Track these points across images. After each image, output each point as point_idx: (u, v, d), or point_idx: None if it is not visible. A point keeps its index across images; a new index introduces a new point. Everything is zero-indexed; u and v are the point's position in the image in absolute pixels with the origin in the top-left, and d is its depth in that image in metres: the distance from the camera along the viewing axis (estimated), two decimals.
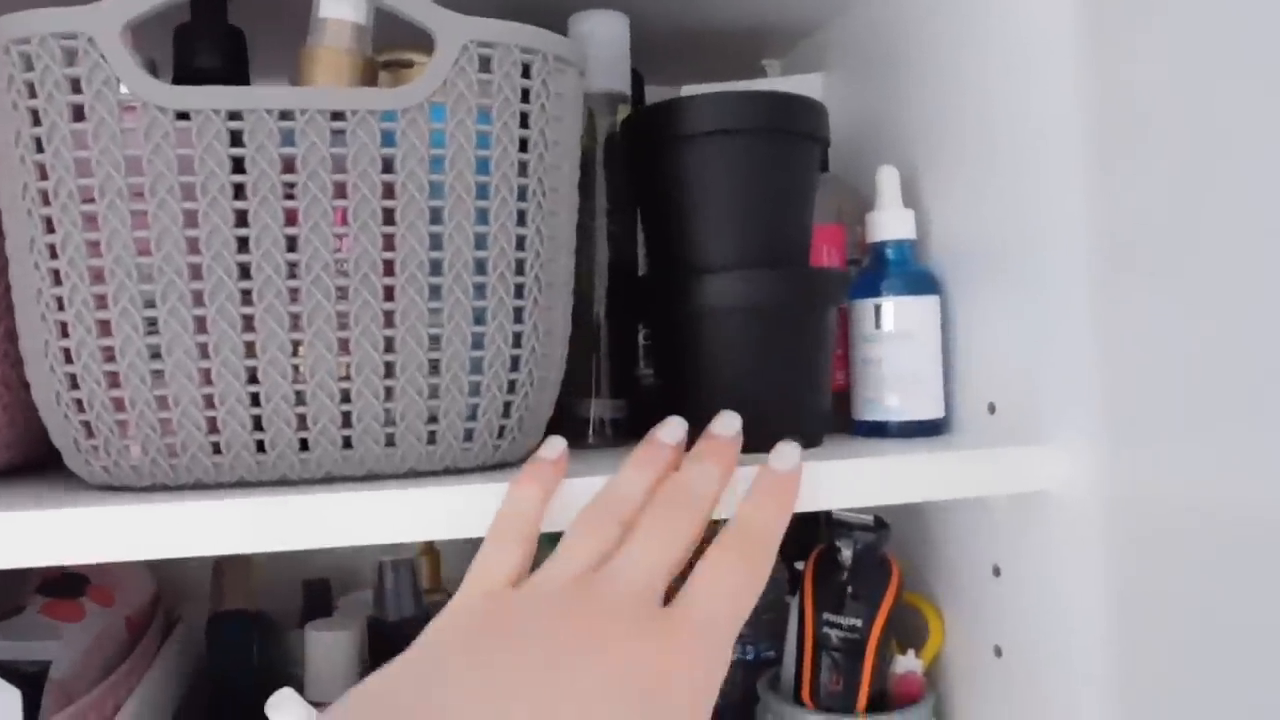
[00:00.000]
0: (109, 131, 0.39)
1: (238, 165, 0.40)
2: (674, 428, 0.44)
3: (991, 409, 0.55)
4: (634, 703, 0.33)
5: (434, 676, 0.34)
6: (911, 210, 0.57)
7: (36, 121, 0.40)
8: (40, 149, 0.40)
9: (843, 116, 0.71)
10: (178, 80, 0.49)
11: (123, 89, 0.39)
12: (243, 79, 0.51)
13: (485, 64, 0.42)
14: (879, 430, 0.57)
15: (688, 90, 0.69)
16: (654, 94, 0.64)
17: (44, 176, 0.40)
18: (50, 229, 0.41)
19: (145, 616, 0.69)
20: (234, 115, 0.40)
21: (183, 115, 0.40)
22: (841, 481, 0.46)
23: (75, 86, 0.39)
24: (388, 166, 0.41)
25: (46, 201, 0.40)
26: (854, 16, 0.70)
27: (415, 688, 0.34)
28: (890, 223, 0.57)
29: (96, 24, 0.39)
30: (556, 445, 0.43)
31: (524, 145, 0.44)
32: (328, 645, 0.67)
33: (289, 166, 0.41)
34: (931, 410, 0.56)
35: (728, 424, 0.44)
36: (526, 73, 0.43)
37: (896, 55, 0.64)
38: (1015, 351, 0.53)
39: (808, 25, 0.74)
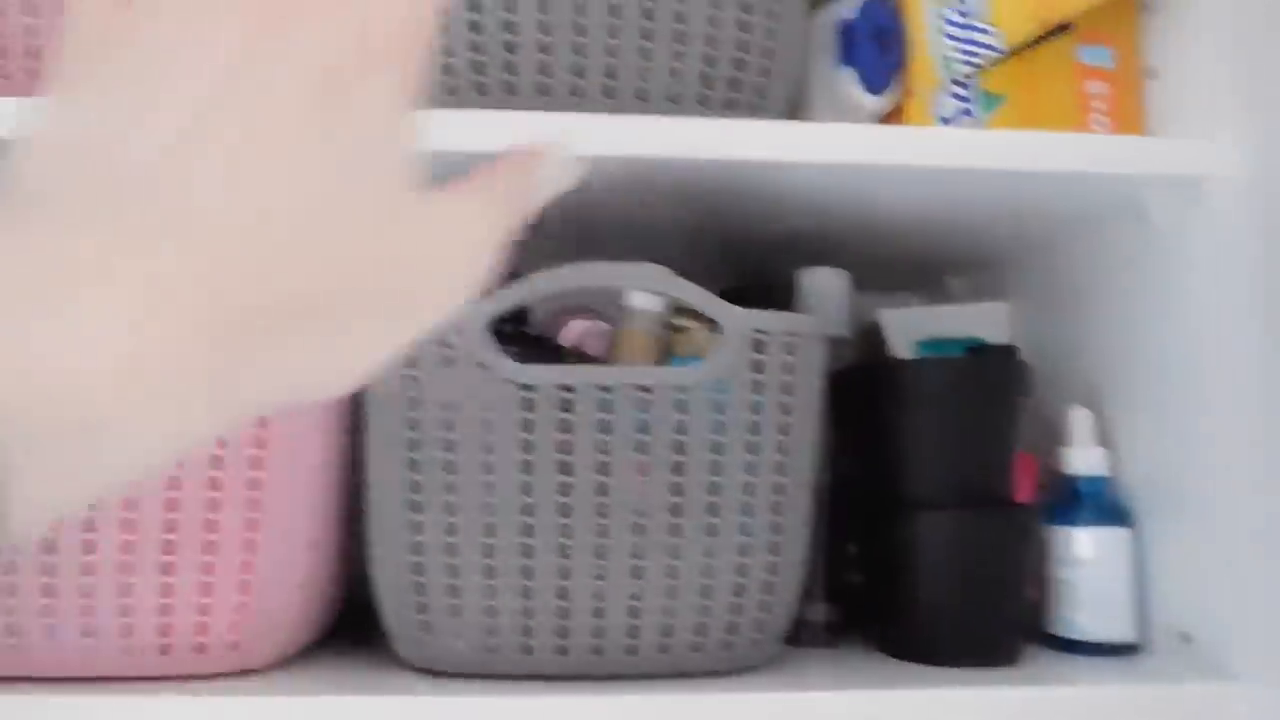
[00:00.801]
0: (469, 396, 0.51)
1: (564, 426, 0.51)
2: None
3: (1186, 639, 0.60)
4: None
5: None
6: (1102, 448, 0.64)
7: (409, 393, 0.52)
8: (411, 409, 0.51)
9: (1027, 342, 0.78)
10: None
11: (483, 364, 0.51)
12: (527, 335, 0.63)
13: (759, 347, 0.52)
14: (1070, 647, 0.62)
15: (884, 312, 0.78)
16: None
17: (413, 429, 0.52)
18: (414, 471, 0.52)
19: None
20: (565, 387, 0.51)
21: (527, 386, 0.51)
22: (1039, 708, 0.52)
23: (448, 361, 0.51)
24: (680, 429, 0.51)
25: (412, 450, 0.52)
26: (1035, 256, 0.78)
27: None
28: (1083, 461, 0.63)
29: (472, 320, 0.50)
30: None
31: (784, 407, 0.53)
32: None
33: (604, 427, 0.51)
34: (1122, 633, 0.61)
35: None
36: (789, 350, 0.53)
37: (1078, 297, 0.72)
38: (1206, 585, 0.58)
39: (990, 258, 0.82)
